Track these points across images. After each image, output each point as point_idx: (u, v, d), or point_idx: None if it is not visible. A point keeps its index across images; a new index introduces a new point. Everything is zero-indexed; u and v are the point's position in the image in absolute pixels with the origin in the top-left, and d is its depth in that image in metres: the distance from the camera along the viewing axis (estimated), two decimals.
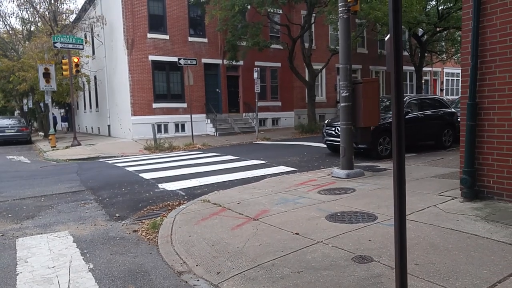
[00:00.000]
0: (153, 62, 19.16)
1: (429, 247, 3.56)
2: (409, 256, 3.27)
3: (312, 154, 11.38)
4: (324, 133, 11.07)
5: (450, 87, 34.54)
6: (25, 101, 31.36)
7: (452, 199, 5.17)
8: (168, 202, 6.14)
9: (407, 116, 10.30)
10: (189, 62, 16.46)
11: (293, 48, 19.47)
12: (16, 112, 42.04)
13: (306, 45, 19.80)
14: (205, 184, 7.44)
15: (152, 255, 3.98)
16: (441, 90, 33.82)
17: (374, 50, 26.98)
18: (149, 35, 18.97)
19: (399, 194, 2.16)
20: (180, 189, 7.11)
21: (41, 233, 4.80)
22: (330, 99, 25.22)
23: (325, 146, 11.49)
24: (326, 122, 13.95)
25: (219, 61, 21.10)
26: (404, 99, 10.87)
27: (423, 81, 28.60)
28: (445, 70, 33.88)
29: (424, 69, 27.55)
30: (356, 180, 6.97)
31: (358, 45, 25.16)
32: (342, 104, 7.29)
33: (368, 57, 26.66)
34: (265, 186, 6.81)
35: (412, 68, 26.22)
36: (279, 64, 23.03)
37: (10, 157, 14.59)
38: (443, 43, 26.60)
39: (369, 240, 3.82)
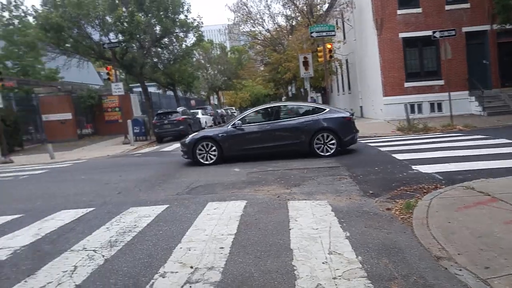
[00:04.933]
0: (404, 39, 18.27)
1: None
2: None
3: None
4: None
5: None
6: (289, 88, 36.67)
7: None
8: (423, 185, 5.81)
9: None
10: (446, 34, 14.66)
11: None
12: (283, 98, 49.61)
13: None
14: (467, 170, 6.58)
15: (406, 235, 3.90)
16: None
17: None
18: (399, 12, 18.15)
19: None
20: (436, 173, 6.58)
21: (306, 199, 5.54)
22: None
23: None
24: None
25: (486, 27, 17.88)
26: None
27: None
28: None
29: None
30: None
31: None
32: None
33: None
34: None
35: None
36: None
37: None
38: None
39: None
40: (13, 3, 24.54)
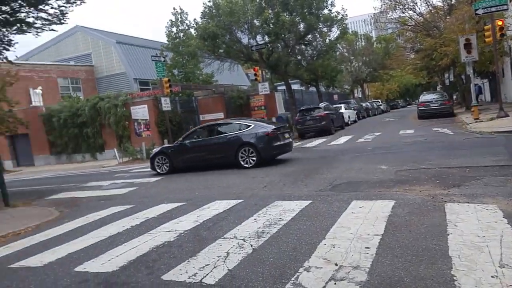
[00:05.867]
0: None
1: None
2: None
3: None
4: None
5: None
6: (446, 75, 32.60)
7: None
8: None
9: None
10: None
11: None
12: (438, 87, 44.55)
13: None
14: None
15: None
16: None
17: None
18: None
19: None
20: None
21: (468, 202, 4.79)
22: None
23: None
24: None
25: None
26: None
27: None
28: None
29: None
30: None
31: None
32: None
33: None
34: None
35: None
36: None
37: (435, 129, 15.66)
38: None
39: None
40: (180, 19, 28.57)
